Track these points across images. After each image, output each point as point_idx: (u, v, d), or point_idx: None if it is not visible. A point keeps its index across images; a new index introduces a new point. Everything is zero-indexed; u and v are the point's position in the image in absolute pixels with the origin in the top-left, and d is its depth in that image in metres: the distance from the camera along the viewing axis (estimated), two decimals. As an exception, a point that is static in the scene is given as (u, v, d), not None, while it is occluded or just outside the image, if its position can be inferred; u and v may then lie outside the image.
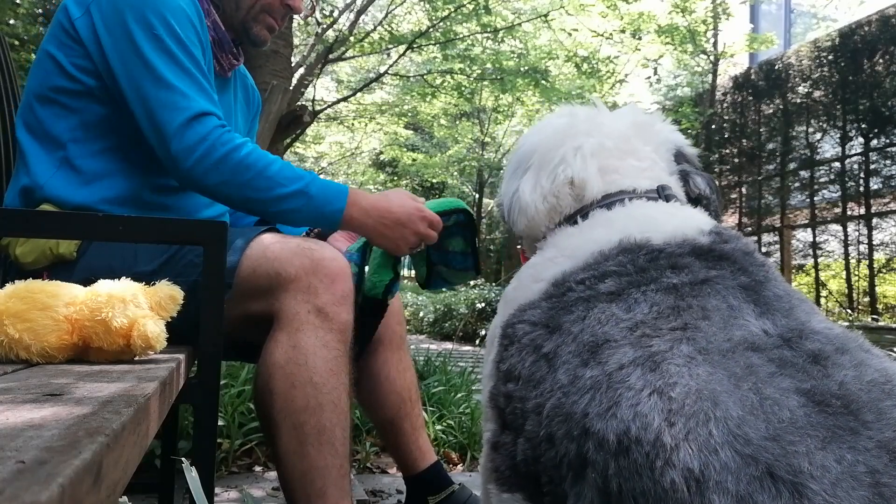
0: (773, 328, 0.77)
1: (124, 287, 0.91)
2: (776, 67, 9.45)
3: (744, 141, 10.05)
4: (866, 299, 8.20)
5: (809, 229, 9.03)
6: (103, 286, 0.91)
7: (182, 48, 1.28)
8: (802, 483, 0.60)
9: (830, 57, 8.57)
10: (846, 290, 8.43)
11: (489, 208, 15.39)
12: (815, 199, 8.90)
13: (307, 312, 1.23)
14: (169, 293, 0.96)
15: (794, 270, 9.20)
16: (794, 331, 0.76)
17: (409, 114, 12.66)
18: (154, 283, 0.97)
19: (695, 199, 1.13)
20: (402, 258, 1.48)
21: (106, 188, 1.34)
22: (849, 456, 0.61)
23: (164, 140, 1.24)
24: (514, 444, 0.87)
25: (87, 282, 0.95)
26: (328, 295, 1.24)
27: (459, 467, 2.50)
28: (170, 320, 0.94)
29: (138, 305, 0.89)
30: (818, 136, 8.83)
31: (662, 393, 0.69)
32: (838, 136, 8.51)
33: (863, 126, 8.18)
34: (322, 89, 12.24)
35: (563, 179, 1.08)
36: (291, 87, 4.77)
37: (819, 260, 8.88)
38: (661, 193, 1.07)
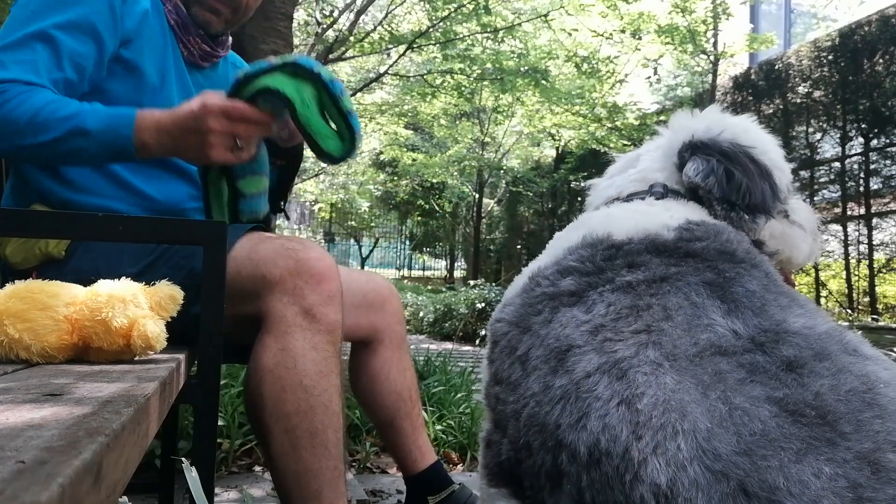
0: (743, 328, 0.73)
1: (124, 287, 0.92)
2: (776, 67, 9.44)
3: (744, 141, 10.03)
4: (866, 299, 8.19)
5: (809, 229, 9.03)
6: (103, 286, 0.91)
7: (39, 20, 1.23)
8: (780, 500, 0.57)
9: (830, 57, 8.56)
10: (846, 290, 8.42)
11: (489, 208, 15.40)
12: (815, 199, 8.90)
13: (294, 314, 1.22)
14: (169, 293, 0.96)
15: (793, 270, 9.18)
16: (767, 333, 0.73)
17: (409, 114, 12.64)
18: (153, 284, 0.97)
19: (693, 190, 1.09)
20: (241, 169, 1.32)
21: (84, 188, 1.33)
22: (827, 469, 0.58)
23: None
24: (500, 442, 0.88)
25: (77, 283, 0.96)
26: (315, 296, 1.23)
27: (459, 467, 2.50)
28: (170, 320, 0.95)
29: (138, 305, 0.89)
30: (818, 136, 8.83)
31: (630, 404, 0.67)
32: (838, 136, 8.50)
33: (863, 126, 8.17)
34: (322, 89, 12.21)
35: None
36: (291, 87, 4.76)
37: (819, 260, 8.88)
38: (650, 192, 1.07)
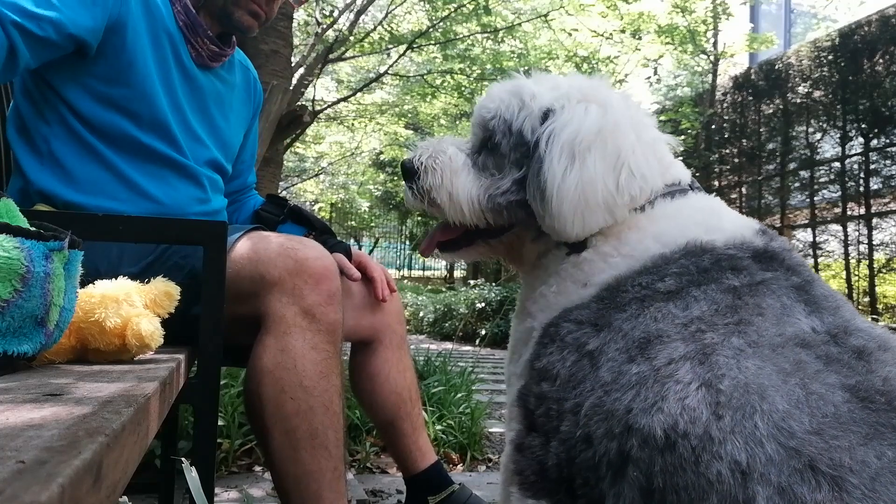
0: (820, 325, 0.78)
1: (118, 286, 0.91)
2: (776, 67, 9.44)
3: (744, 141, 10.04)
4: (866, 299, 8.19)
5: (809, 229, 9.03)
6: (97, 287, 0.91)
7: None
8: (842, 476, 0.62)
9: (830, 57, 8.56)
10: (846, 290, 8.41)
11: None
12: (815, 199, 8.89)
13: (294, 315, 1.21)
14: (164, 289, 0.95)
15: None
16: (839, 327, 0.78)
17: (409, 114, 12.63)
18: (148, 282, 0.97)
19: None
20: None
21: (91, 188, 1.33)
22: (889, 453, 0.63)
23: None
24: (542, 447, 0.85)
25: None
26: (314, 296, 1.22)
27: (459, 467, 2.50)
28: (167, 317, 0.94)
29: (132, 304, 0.89)
30: (818, 136, 8.83)
31: (710, 385, 0.70)
32: (838, 136, 8.50)
33: (863, 126, 8.17)
34: (322, 89, 12.21)
35: (630, 183, 0.91)
36: (291, 87, 4.77)
37: (819, 260, 8.87)
38: (692, 188, 1.01)
